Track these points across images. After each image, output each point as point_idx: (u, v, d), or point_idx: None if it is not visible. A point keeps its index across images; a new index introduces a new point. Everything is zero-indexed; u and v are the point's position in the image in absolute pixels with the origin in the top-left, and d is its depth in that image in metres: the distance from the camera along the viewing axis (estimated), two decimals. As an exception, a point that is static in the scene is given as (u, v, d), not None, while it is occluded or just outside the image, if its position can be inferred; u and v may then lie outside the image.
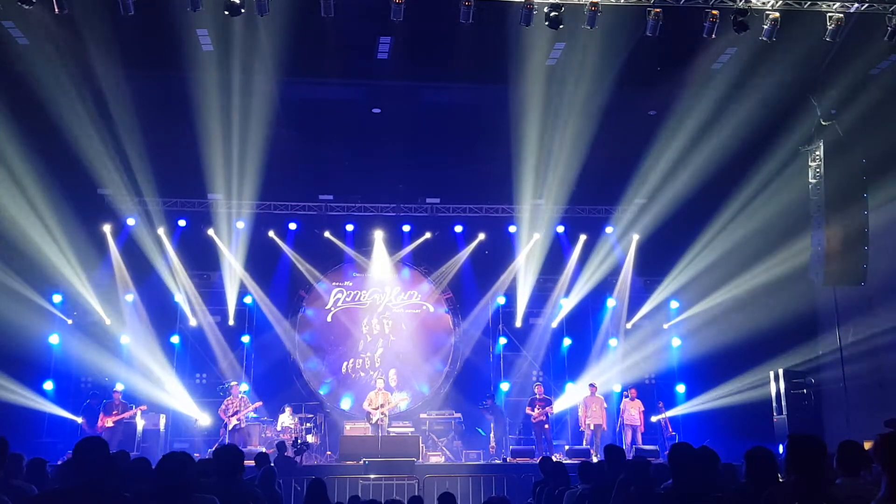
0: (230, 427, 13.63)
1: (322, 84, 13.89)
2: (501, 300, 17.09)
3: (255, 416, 14.29)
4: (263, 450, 12.10)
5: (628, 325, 17.09)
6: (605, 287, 17.19)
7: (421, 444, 13.54)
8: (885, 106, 12.50)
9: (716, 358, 15.24)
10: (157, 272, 15.85)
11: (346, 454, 12.78)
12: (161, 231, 16.05)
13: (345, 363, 16.86)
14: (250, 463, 7.92)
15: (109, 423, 13.25)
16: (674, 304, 16.78)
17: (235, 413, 13.73)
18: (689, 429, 15.66)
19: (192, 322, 16.23)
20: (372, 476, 11.49)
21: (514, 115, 13.44)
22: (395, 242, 17.23)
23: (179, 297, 16.12)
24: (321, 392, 16.57)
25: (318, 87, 14.02)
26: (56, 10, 9.98)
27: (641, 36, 11.03)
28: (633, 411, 14.61)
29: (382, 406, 14.20)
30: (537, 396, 14.63)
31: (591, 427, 14.34)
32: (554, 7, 10.57)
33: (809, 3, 10.78)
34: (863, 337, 13.80)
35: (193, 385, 16.04)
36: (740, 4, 10.68)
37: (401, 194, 16.97)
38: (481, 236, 17.11)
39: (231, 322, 16.32)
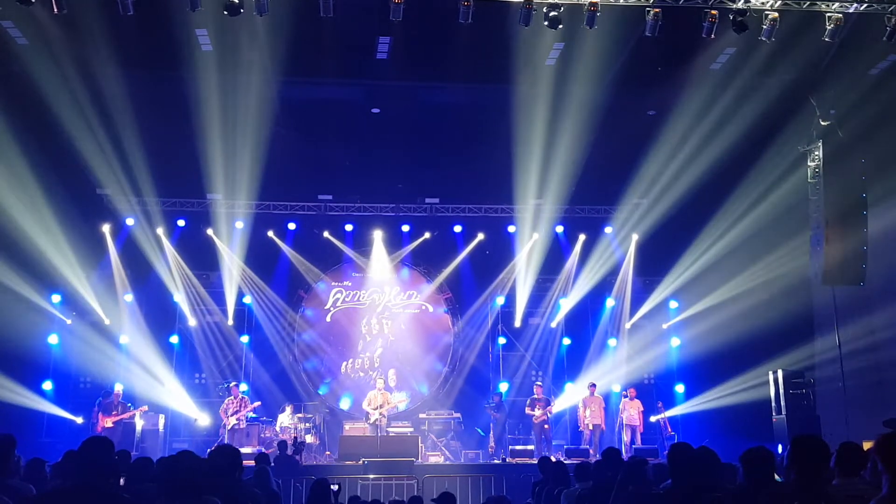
0: (229, 427, 13.64)
1: (321, 84, 13.89)
2: (500, 300, 17.07)
3: (254, 416, 14.27)
4: (262, 450, 12.11)
5: (627, 325, 17.07)
6: (604, 287, 17.20)
7: (420, 444, 13.54)
8: (884, 106, 12.51)
9: (715, 358, 15.23)
10: (156, 272, 15.85)
11: (345, 454, 12.78)
12: (160, 231, 16.05)
13: (344, 363, 16.85)
14: (250, 463, 7.91)
15: (109, 423, 13.24)
16: (673, 304, 16.77)
17: (235, 413, 13.74)
18: (688, 429, 15.64)
19: (192, 322, 16.24)
20: (371, 476, 11.49)
21: (513, 115, 13.43)
22: (394, 242, 17.22)
23: (178, 297, 16.12)
24: (320, 392, 16.55)
25: (317, 86, 14.01)
26: (55, 9, 9.96)
27: (640, 36, 11.04)
28: (632, 411, 14.60)
29: (381, 406, 14.21)
30: (536, 396, 14.65)
31: (591, 427, 14.33)
32: (553, 7, 10.57)
33: (808, 3, 10.78)
34: (861, 336, 13.80)
35: (192, 385, 16.03)
36: (739, 4, 10.68)
37: (400, 194, 16.96)
38: (480, 236, 17.09)
39: (230, 322, 16.29)
